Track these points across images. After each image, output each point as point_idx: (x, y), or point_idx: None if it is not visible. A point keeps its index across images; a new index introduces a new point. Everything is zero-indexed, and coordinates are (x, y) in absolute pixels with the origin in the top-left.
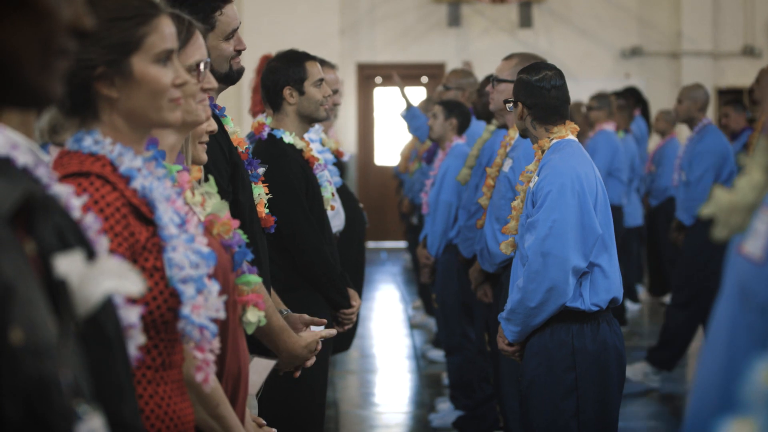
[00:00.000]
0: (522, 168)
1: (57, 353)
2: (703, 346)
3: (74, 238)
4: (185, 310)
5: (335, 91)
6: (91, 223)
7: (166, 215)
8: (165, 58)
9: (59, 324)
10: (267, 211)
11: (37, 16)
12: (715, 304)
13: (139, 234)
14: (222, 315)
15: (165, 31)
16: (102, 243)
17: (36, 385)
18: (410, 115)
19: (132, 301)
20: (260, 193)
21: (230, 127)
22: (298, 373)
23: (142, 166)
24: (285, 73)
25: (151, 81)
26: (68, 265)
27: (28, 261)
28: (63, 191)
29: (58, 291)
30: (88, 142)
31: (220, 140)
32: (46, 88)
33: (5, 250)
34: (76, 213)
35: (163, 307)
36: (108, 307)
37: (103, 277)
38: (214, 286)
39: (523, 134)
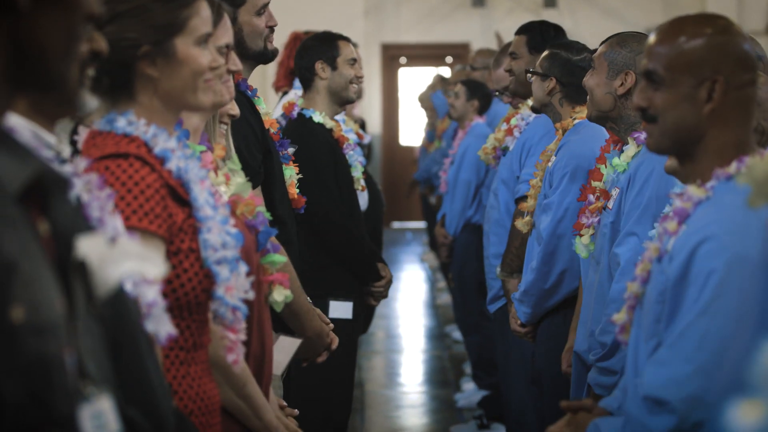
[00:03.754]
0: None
1: (62, 333)
2: (706, 311)
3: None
4: (219, 291)
5: None
6: (104, 202)
7: (202, 196)
8: (204, 40)
9: (69, 305)
10: (298, 191)
11: (68, 7)
12: (734, 277)
13: (176, 215)
14: (251, 295)
15: (204, 14)
16: (114, 223)
17: (36, 364)
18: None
19: (169, 281)
20: (291, 174)
21: (262, 108)
22: (321, 358)
23: (176, 147)
24: (318, 49)
25: (192, 62)
26: (89, 246)
27: (40, 241)
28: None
29: (72, 272)
30: (121, 123)
31: (252, 123)
32: (66, 75)
33: (11, 227)
34: (77, 192)
35: (198, 288)
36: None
37: (124, 259)
38: (242, 267)
39: (539, 110)
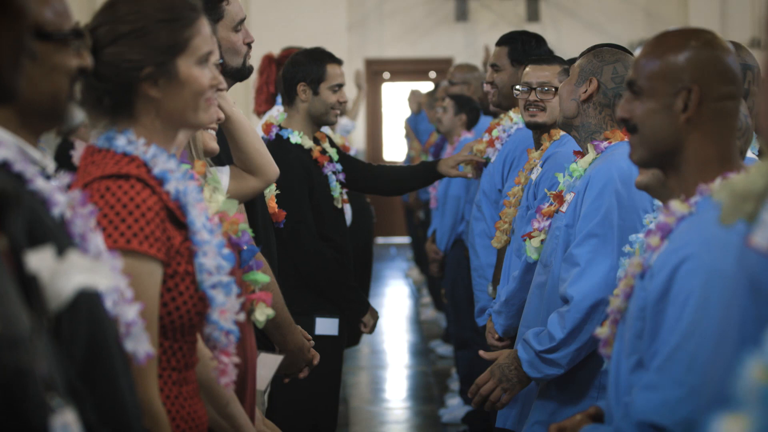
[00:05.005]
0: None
1: (32, 346)
2: (691, 334)
3: (49, 234)
4: (214, 315)
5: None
6: (86, 219)
7: (199, 220)
8: (205, 59)
9: (32, 318)
10: (277, 206)
11: (12, 16)
12: (714, 295)
13: (174, 238)
14: (242, 317)
15: (205, 32)
16: (94, 240)
17: (13, 376)
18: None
19: (164, 304)
20: (271, 188)
21: None
22: (303, 374)
23: (175, 168)
24: (304, 69)
25: (194, 82)
26: (39, 260)
27: (0, 255)
28: (46, 187)
29: (30, 285)
30: (121, 142)
31: None
32: (14, 86)
33: None
34: (61, 209)
35: (192, 311)
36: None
37: (74, 272)
38: (235, 289)
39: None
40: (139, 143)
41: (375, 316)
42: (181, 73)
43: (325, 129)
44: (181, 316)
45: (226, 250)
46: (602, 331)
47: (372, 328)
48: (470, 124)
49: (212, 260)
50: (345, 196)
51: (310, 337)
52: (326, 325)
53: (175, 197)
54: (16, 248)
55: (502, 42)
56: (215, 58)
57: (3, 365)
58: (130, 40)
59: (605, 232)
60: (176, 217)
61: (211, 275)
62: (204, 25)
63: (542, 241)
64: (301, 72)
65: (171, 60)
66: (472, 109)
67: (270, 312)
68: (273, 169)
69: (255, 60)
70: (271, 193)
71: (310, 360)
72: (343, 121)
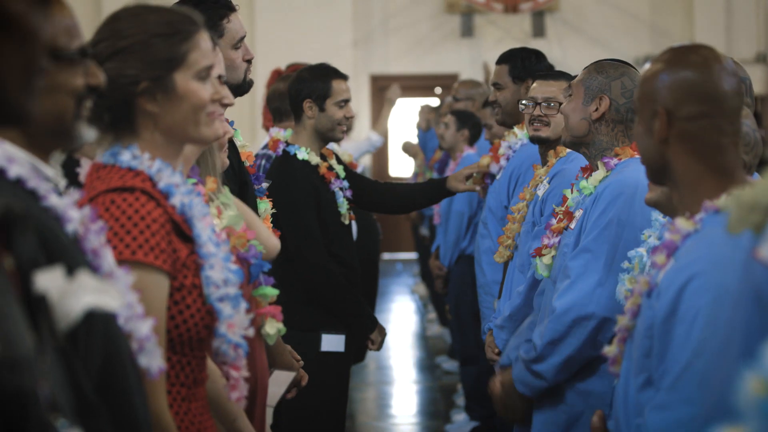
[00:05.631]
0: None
1: (34, 367)
2: (702, 351)
3: (64, 251)
4: (222, 328)
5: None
6: (97, 235)
7: (205, 233)
8: (205, 73)
9: (37, 339)
10: (272, 225)
11: (22, 38)
12: (723, 312)
13: (180, 251)
14: (251, 332)
15: (204, 46)
16: (107, 256)
17: (13, 397)
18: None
19: (171, 317)
20: (266, 208)
21: (239, 140)
22: (291, 395)
23: (180, 182)
24: (309, 86)
25: (192, 97)
26: (48, 281)
27: (6, 276)
28: (60, 204)
29: (36, 306)
30: (126, 157)
31: (229, 155)
32: (26, 107)
33: None
34: (74, 225)
35: (200, 325)
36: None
37: (83, 293)
38: (243, 303)
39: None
40: (143, 158)
41: (383, 333)
42: (178, 87)
43: (332, 145)
44: (189, 330)
45: (234, 265)
46: (610, 350)
47: (380, 345)
48: (473, 140)
49: (219, 273)
50: (352, 213)
51: (299, 357)
52: (332, 342)
53: (181, 211)
54: (24, 268)
55: (501, 60)
56: (218, 72)
57: (2, 387)
58: (127, 54)
59: (598, 248)
60: (182, 230)
61: (219, 288)
62: (204, 40)
63: (553, 257)
64: (306, 88)
65: (168, 74)
66: (474, 124)
67: (280, 326)
68: (273, 243)
69: (262, 76)
70: (266, 212)
71: (299, 381)
72: (374, 137)
